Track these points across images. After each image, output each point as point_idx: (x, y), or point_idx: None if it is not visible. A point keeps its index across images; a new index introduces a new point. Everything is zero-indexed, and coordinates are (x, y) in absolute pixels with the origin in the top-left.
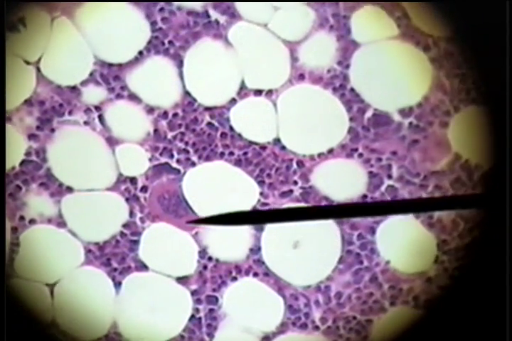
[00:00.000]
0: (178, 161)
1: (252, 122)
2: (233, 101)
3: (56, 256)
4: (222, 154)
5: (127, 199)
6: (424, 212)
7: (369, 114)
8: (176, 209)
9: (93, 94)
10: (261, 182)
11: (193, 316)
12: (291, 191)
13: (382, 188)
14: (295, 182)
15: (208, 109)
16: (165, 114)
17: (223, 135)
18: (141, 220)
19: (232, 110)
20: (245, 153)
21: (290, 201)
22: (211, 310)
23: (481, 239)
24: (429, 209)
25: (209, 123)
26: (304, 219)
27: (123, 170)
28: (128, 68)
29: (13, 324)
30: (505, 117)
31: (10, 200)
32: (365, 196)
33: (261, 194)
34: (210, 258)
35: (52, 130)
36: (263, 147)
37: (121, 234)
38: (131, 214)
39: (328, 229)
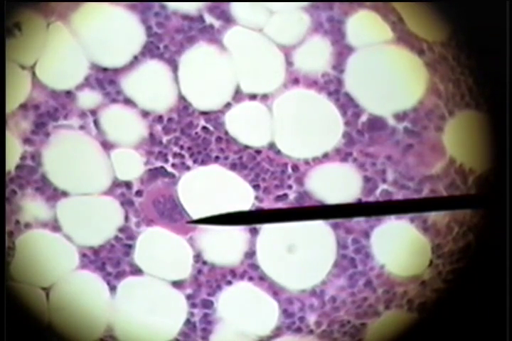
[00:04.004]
0: (173, 165)
1: (247, 126)
2: (228, 105)
3: (51, 260)
4: (217, 158)
5: (122, 204)
6: (420, 212)
7: (364, 118)
8: (171, 214)
9: (88, 99)
10: (256, 186)
11: (188, 320)
12: (285, 195)
13: (377, 192)
14: (290, 187)
15: (203, 113)
16: (160, 118)
17: (218, 139)
18: (137, 224)
19: (227, 114)
20: (240, 157)
21: (285, 205)
22: (206, 314)
23: (475, 243)
24: (426, 210)
25: (204, 128)
26: (302, 220)
27: (118, 175)
28: (123, 72)
29: (9, 327)
30: (505, 120)
31: (5, 204)
32: (359, 200)
33: (256, 198)
34: (205, 263)
35: (48, 134)
36: (258, 151)
37: (117, 238)
38: (127, 218)
39: (322, 233)
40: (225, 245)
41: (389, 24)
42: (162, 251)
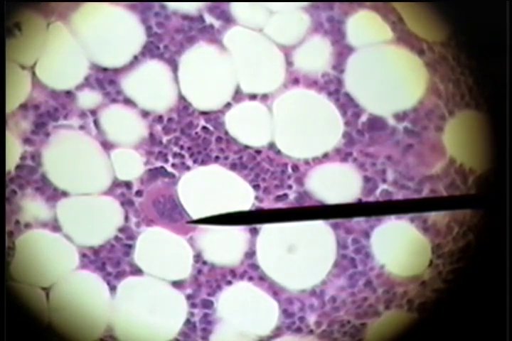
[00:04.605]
0: (173, 165)
1: (247, 126)
2: (228, 105)
3: (51, 260)
4: (217, 158)
5: (122, 204)
6: (420, 212)
7: (364, 118)
8: (171, 214)
9: (88, 99)
10: (256, 186)
11: (188, 320)
12: (285, 195)
13: (377, 192)
14: (290, 187)
15: (203, 113)
16: (160, 118)
17: (218, 139)
18: (137, 224)
19: (227, 114)
20: (240, 157)
21: (285, 205)
22: (206, 314)
23: (475, 243)
24: (426, 210)
25: (204, 128)
26: (302, 220)
27: (118, 175)
28: (123, 72)
29: (9, 327)
30: (505, 120)
31: (5, 204)
32: (359, 200)
33: (256, 198)
34: (205, 263)
35: (48, 134)
36: (258, 151)
37: (117, 238)
38: (127, 218)
39: (323, 233)
40: (225, 245)
41: (389, 24)
42: (162, 251)
